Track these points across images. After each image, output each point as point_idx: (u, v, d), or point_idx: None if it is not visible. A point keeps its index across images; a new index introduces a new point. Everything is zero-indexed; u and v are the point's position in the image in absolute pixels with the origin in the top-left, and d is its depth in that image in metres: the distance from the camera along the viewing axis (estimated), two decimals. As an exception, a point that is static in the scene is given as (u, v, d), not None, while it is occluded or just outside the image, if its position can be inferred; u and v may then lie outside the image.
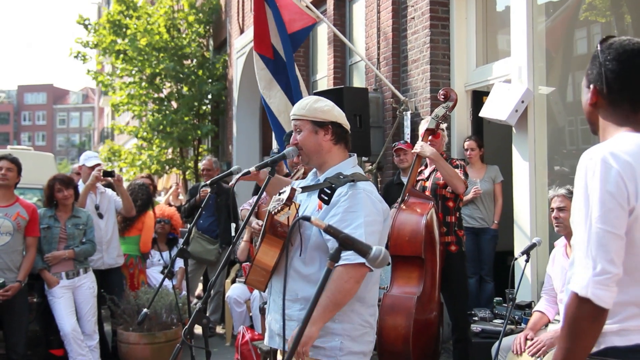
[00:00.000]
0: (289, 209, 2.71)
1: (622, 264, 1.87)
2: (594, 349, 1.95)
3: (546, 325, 4.46)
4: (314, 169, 3.03)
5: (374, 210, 2.74)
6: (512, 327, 4.81)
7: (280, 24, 6.44)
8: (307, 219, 1.86)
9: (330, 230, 1.83)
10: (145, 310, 3.48)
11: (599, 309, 1.84)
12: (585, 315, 1.87)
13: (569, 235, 4.06)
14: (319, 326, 2.63)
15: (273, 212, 2.65)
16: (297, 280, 2.80)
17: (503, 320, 4.46)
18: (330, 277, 2.58)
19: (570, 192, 4.03)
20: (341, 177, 2.77)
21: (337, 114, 2.92)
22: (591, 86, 2.07)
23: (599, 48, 2.07)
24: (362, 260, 2.19)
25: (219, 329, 7.80)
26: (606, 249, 1.86)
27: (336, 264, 2.44)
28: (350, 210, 2.69)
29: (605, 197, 1.87)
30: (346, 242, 1.81)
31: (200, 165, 8.25)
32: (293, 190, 2.70)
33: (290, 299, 2.80)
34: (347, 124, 2.96)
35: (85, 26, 14.56)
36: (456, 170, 4.92)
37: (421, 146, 4.85)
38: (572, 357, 1.90)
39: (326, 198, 2.66)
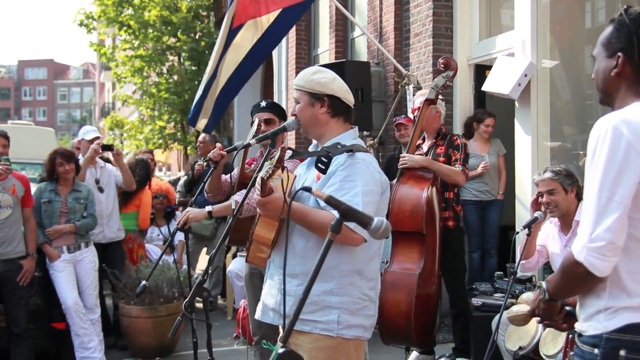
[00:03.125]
0: (281, 172, 2.61)
1: (622, 233, 1.87)
2: (614, 326, 1.93)
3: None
4: (314, 143, 3.00)
5: (371, 179, 2.69)
6: (513, 300, 4.80)
7: None
8: (309, 189, 1.84)
9: (331, 201, 1.81)
10: (144, 282, 3.49)
11: (591, 274, 1.88)
12: (576, 275, 1.93)
13: (563, 216, 4.03)
14: (293, 211, 2.59)
15: (265, 177, 2.52)
16: (296, 254, 2.74)
17: (504, 295, 4.46)
18: (328, 213, 2.56)
19: (556, 174, 3.99)
20: (339, 146, 2.72)
21: (336, 87, 2.83)
22: (619, 54, 2.03)
23: (625, 17, 2.04)
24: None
25: (220, 301, 7.85)
26: (605, 216, 1.86)
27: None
28: (348, 180, 2.64)
29: (611, 165, 1.86)
30: (347, 213, 1.79)
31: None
32: (283, 150, 2.58)
33: (288, 274, 2.71)
34: (347, 98, 2.86)
35: None
36: (457, 151, 4.88)
37: (409, 159, 4.78)
38: (560, 292, 2.15)
39: (323, 167, 2.61)
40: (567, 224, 4.12)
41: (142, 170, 6.98)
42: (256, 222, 2.85)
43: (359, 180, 2.64)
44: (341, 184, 2.65)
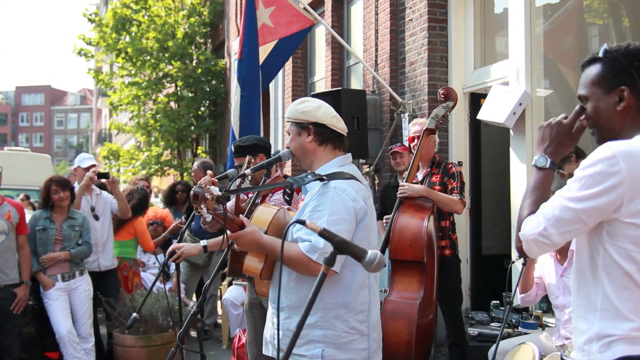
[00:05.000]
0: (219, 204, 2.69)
1: (565, 241, 2.02)
2: (608, 359, 1.93)
3: (543, 329, 4.44)
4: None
5: (342, 208, 2.63)
6: (509, 330, 4.79)
7: (251, 23, 6.39)
8: (303, 222, 1.83)
9: (325, 234, 1.81)
10: (134, 314, 3.47)
11: (525, 253, 2.09)
12: (517, 246, 2.11)
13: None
14: (263, 245, 2.64)
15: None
16: (286, 289, 2.73)
17: (500, 324, 4.44)
18: (298, 248, 2.59)
19: None
20: (309, 176, 2.72)
21: (321, 115, 2.82)
22: (624, 88, 2.05)
23: (612, 55, 2.07)
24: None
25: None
26: (565, 223, 1.96)
27: (303, 249, 2.53)
28: (317, 209, 2.64)
29: (596, 188, 1.93)
30: (341, 246, 1.79)
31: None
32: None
33: (282, 307, 2.72)
34: (334, 124, 2.84)
35: (90, 20, 14.60)
36: (452, 179, 4.90)
37: (408, 188, 4.80)
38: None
39: (287, 198, 2.67)
40: (563, 252, 4.13)
41: (139, 199, 6.99)
42: (245, 257, 2.84)
43: (326, 210, 2.62)
44: (311, 214, 2.65)
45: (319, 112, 2.83)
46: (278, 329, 2.47)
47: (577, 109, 2.17)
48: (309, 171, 2.82)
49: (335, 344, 2.64)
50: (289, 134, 2.89)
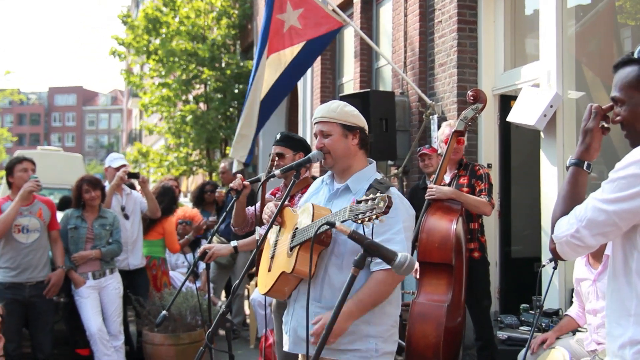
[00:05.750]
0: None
1: (599, 243, 2.00)
2: None
3: (574, 333, 4.40)
4: (328, 175, 3.03)
5: (407, 216, 2.81)
6: (539, 334, 4.74)
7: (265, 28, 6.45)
8: (332, 224, 1.84)
9: (354, 236, 1.81)
10: (164, 312, 3.50)
11: (559, 255, 2.06)
12: (551, 248, 2.09)
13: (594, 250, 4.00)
14: (351, 322, 2.69)
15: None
16: (334, 288, 2.80)
17: (530, 328, 4.40)
18: (372, 279, 2.67)
19: None
20: (380, 183, 2.80)
21: (364, 121, 3.00)
22: None
23: None
24: None
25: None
26: (598, 226, 1.95)
27: (377, 268, 2.57)
28: (389, 215, 2.62)
29: (629, 190, 1.90)
30: (371, 249, 1.79)
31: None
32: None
33: (324, 306, 2.81)
34: (367, 131, 3.03)
35: (125, 22, 14.85)
36: (480, 181, 4.87)
37: (436, 190, 4.79)
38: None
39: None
40: (597, 257, 4.07)
41: (168, 198, 7.05)
42: (296, 258, 2.84)
43: (399, 217, 2.73)
44: None
45: (362, 118, 3.00)
46: (307, 323, 2.57)
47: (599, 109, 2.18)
48: (359, 177, 2.91)
49: (384, 337, 2.83)
50: (328, 135, 2.91)
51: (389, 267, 2.48)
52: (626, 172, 1.91)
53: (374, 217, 2.31)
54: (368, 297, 2.69)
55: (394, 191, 2.80)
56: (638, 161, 1.90)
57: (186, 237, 7.57)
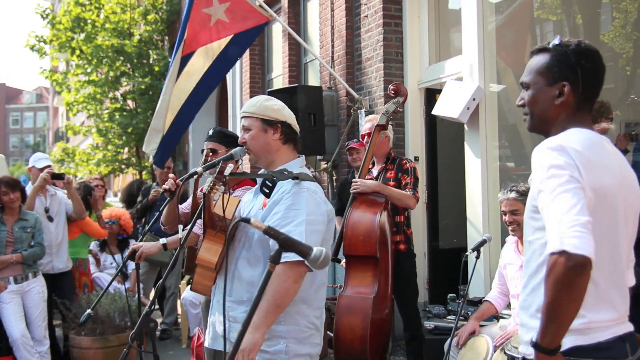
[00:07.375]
0: (222, 185, 2.71)
1: (588, 212, 1.82)
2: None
3: (497, 319, 4.51)
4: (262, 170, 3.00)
5: (317, 210, 2.70)
6: (464, 323, 4.85)
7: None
8: (247, 220, 1.83)
9: (270, 232, 1.80)
10: (88, 311, 3.42)
11: (577, 258, 1.74)
12: (566, 269, 1.75)
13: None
14: (263, 331, 2.53)
15: (206, 192, 2.64)
16: (242, 281, 2.76)
17: (456, 316, 4.50)
18: (272, 277, 2.58)
19: (520, 194, 4.06)
20: (285, 172, 2.75)
21: (287, 114, 2.91)
22: (565, 84, 2.09)
23: (566, 48, 2.10)
24: (299, 258, 2.05)
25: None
26: (569, 201, 1.82)
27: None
28: (293, 208, 2.66)
29: (557, 172, 1.90)
30: (286, 244, 1.79)
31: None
32: (224, 164, 2.71)
33: (235, 300, 2.76)
34: (296, 126, 2.94)
35: (43, 17, 14.34)
36: (406, 175, 4.93)
37: (361, 184, 4.82)
38: (560, 314, 1.82)
39: (267, 191, 2.66)
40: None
41: (82, 194, 6.87)
42: (199, 246, 2.84)
43: (303, 209, 2.65)
44: (285, 212, 2.66)
45: (286, 111, 2.91)
46: (224, 319, 2.51)
47: None
48: (279, 168, 2.82)
49: (297, 338, 2.71)
50: (248, 130, 2.87)
51: (284, 260, 2.44)
52: (549, 173, 1.92)
53: (211, 185, 2.62)
54: (268, 301, 2.51)
55: (306, 184, 2.72)
56: (548, 160, 1.94)
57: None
